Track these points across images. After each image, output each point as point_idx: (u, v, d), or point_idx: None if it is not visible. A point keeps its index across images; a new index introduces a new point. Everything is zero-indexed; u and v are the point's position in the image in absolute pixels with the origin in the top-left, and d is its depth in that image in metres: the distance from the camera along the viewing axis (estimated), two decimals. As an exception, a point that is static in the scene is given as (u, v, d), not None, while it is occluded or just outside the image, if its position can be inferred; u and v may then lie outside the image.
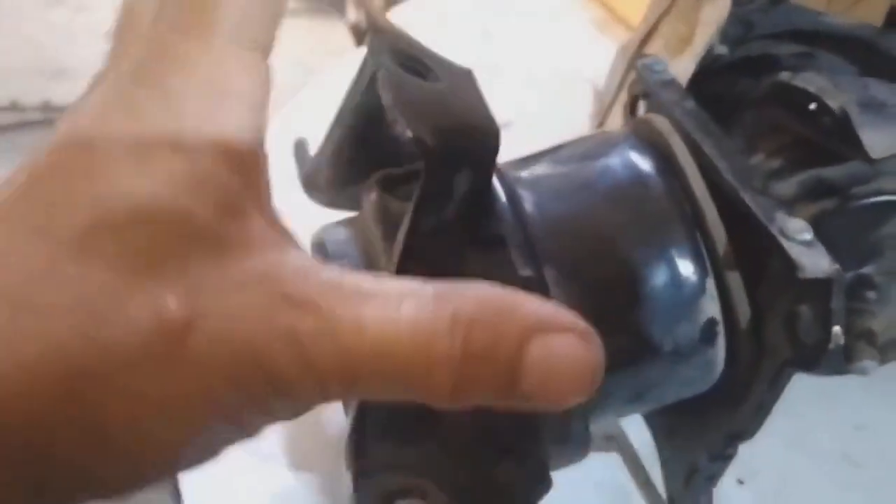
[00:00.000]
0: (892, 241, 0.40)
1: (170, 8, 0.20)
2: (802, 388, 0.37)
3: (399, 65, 0.27)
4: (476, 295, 0.19)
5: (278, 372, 0.17)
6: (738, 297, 0.32)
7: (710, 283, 0.32)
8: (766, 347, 0.31)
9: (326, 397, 0.19)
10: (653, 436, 0.40)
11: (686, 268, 0.32)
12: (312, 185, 0.37)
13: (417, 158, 0.26)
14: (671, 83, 0.37)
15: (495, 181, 0.31)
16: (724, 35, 0.44)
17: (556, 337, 0.19)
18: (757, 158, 0.41)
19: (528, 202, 0.32)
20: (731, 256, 0.31)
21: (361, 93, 0.32)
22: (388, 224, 0.30)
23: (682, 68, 0.42)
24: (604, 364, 0.20)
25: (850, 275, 0.40)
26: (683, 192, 0.32)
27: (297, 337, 0.17)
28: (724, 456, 0.34)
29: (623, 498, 0.42)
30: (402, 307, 0.18)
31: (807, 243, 0.29)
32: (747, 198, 0.31)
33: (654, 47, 0.50)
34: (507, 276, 0.29)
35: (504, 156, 0.35)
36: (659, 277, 0.31)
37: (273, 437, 0.45)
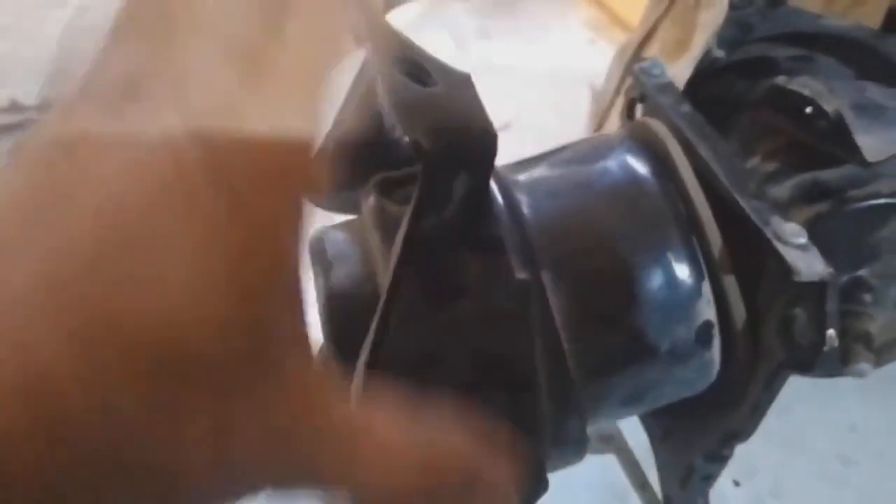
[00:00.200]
0: (888, 244, 0.40)
1: (156, 14, 0.18)
2: (798, 390, 0.37)
3: (397, 69, 0.27)
4: (444, 436, 0.21)
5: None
6: (733, 299, 0.32)
7: (706, 286, 0.32)
8: (762, 350, 0.31)
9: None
10: (649, 437, 0.40)
11: (682, 271, 0.32)
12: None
13: (416, 162, 0.26)
14: (668, 86, 0.37)
15: (493, 184, 0.31)
16: (721, 38, 0.44)
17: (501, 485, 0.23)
18: (753, 161, 0.41)
19: (525, 205, 0.32)
20: (726, 259, 0.32)
21: (360, 96, 0.32)
22: (387, 227, 0.30)
23: (679, 72, 0.42)
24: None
25: (846, 278, 0.40)
26: (679, 196, 0.33)
27: (319, 478, 0.18)
28: (720, 457, 0.34)
29: (620, 499, 0.43)
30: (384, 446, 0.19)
31: (802, 247, 0.29)
32: (743, 201, 0.31)
33: (652, 50, 0.50)
34: (504, 278, 0.29)
35: (502, 158, 0.35)
36: (655, 280, 0.32)
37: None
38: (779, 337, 0.30)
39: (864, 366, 0.38)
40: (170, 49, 0.17)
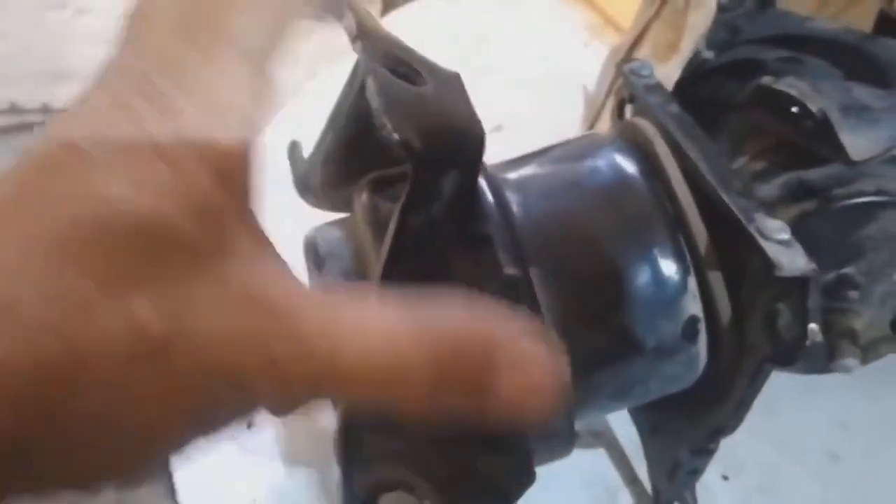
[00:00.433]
0: (873, 241, 0.40)
1: (177, 17, 0.20)
2: (787, 386, 0.37)
3: (388, 69, 0.27)
4: (452, 322, 0.20)
5: (253, 388, 0.18)
6: (719, 295, 0.32)
7: (692, 282, 0.32)
8: (747, 345, 0.32)
9: (300, 411, 0.19)
10: (639, 432, 0.40)
11: (668, 267, 0.32)
12: (306, 186, 0.38)
13: (406, 160, 0.26)
14: (656, 87, 0.38)
15: (483, 183, 0.31)
16: (710, 40, 0.45)
17: (524, 367, 0.20)
18: (741, 161, 0.42)
19: (515, 203, 0.33)
20: (712, 256, 0.32)
21: (353, 96, 0.33)
22: (379, 225, 0.31)
23: (669, 73, 0.43)
24: (566, 390, 0.21)
25: (832, 275, 0.41)
26: (666, 194, 0.33)
27: (273, 357, 0.18)
28: (706, 451, 0.35)
29: (609, 493, 0.43)
30: (379, 332, 0.19)
31: (784, 243, 0.30)
32: (727, 199, 0.31)
33: (643, 52, 0.51)
34: (492, 275, 0.29)
35: (496, 159, 0.36)
36: (642, 276, 0.32)
37: (266, 432, 0.46)
38: (763, 332, 0.31)
39: (849, 361, 0.39)
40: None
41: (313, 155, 0.37)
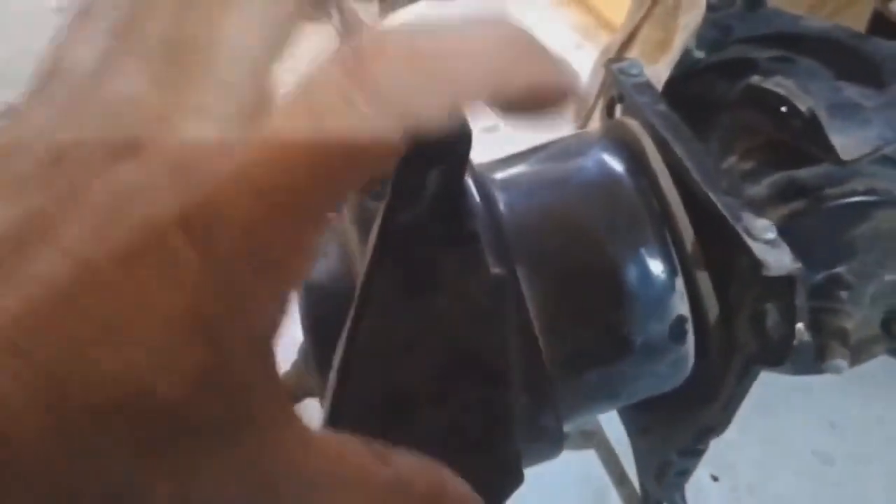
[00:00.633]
0: (863, 241, 0.40)
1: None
2: (778, 388, 0.37)
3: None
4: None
5: None
6: (706, 295, 0.32)
7: (680, 282, 0.32)
8: (735, 344, 0.32)
9: None
10: (628, 433, 0.40)
11: (656, 266, 0.32)
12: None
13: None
14: (645, 86, 0.37)
15: (470, 181, 0.31)
16: (701, 39, 0.45)
17: None
18: (731, 160, 0.42)
19: (502, 202, 0.33)
20: (699, 255, 0.32)
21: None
22: (365, 224, 0.31)
23: (659, 72, 0.43)
24: None
25: (822, 275, 0.41)
26: (653, 193, 0.33)
27: None
28: (694, 451, 0.35)
29: (599, 493, 0.43)
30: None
31: (771, 242, 0.30)
32: (714, 197, 0.31)
33: (634, 52, 0.51)
34: (479, 274, 0.29)
35: (490, 160, 0.36)
36: (629, 276, 0.32)
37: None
38: (751, 331, 0.31)
39: (839, 362, 0.39)
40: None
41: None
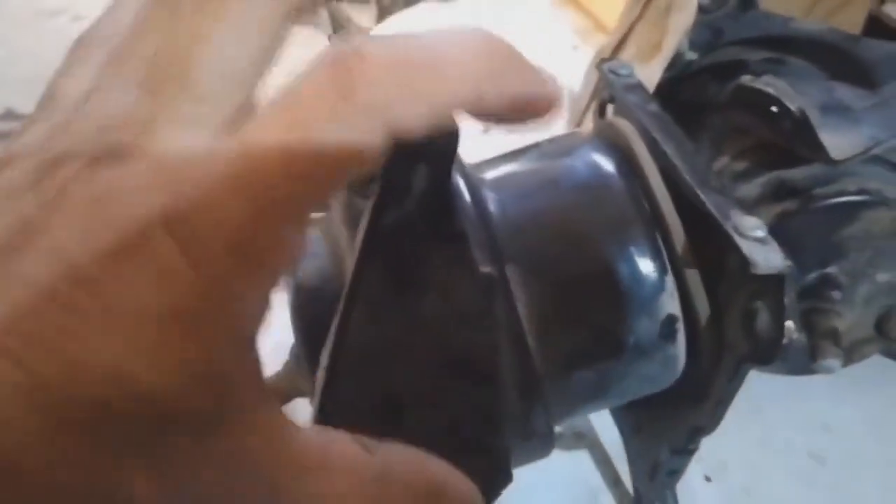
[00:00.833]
0: (856, 241, 0.40)
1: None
2: (771, 388, 0.37)
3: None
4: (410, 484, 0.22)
5: None
6: (697, 294, 0.32)
7: (670, 281, 0.32)
8: (726, 344, 0.32)
9: None
10: (621, 433, 0.40)
11: (646, 266, 0.32)
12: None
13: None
14: (635, 87, 0.38)
15: (460, 180, 0.31)
16: (693, 41, 0.45)
17: None
18: (723, 161, 0.42)
19: (492, 201, 0.33)
20: (689, 254, 0.32)
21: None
22: (354, 223, 0.31)
23: (651, 73, 0.43)
24: None
25: (814, 275, 0.41)
26: (644, 192, 0.33)
27: None
28: (686, 451, 0.35)
29: (592, 494, 0.43)
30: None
31: (760, 240, 0.30)
32: (703, 196, 0.31)
33: (628, 54, 0.51)
34: (467, 274, 0.29)
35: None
36: (619, 275, 0.32)
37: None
38: (741, 330, 0.31)
39: (831, 362, 0.39)
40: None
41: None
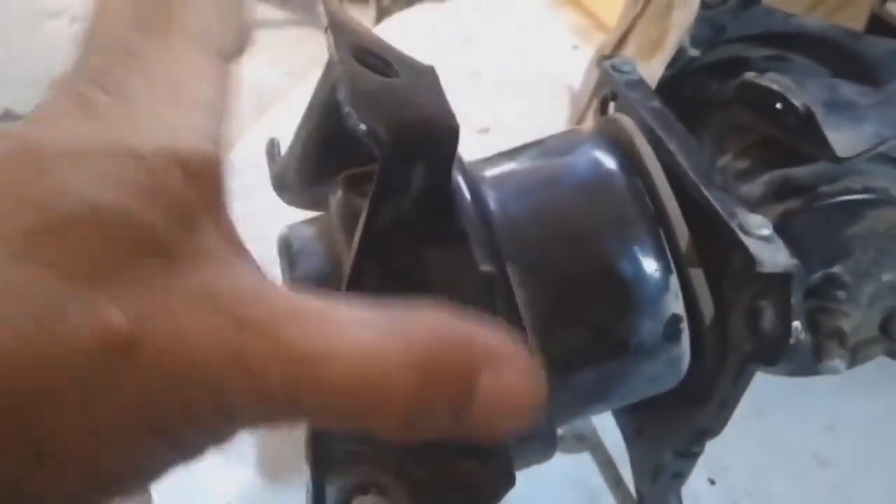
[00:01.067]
0: (861, 240, 0.40)
1: (133, 11, 0.20)
2: (774, 389, 0.37)
3: (357, 60, 0.27)
4: (430, 326, 0.19)
5: (225, 397, 0.17)
6: (701, 293, 0.32)
7: (674, 280, 0.32)
8: (730, 343, 0.31)
9: (274, 424, 0.19)
10: (623, 435, 0.40)
11: (649, 265, 0.32)
12: (282, 184, 0.37)
13: (376, 153, 0.26)
14: (637, 83, 0.37)
15: (460, 179, 0.31)
16: (695, 38, 0.44)
17: (504, 369, 0.19)
18: (725, 159, 0.41)
19: (492, 200, 0.32)
20: (693, 253, 0.32)
21: (326, 92, 0.32)
22: (352, 222, 0.30)
23: (653, 70, 0.43)
24: (545, 393, 0.20)
25: (818, 274, 0.40)
26: (647, 190, 0.33)
27: (246, 362, 0.17)
28: (690, 454, 0.34)
29: (594, 497, 0.42)
30: (357, 338, 0.18)
31: (766, 238, 0.29)
32: (708, 194, 0.31)
33: (629, 51, 0.50)
34: (467, 272, 0.29)
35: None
36: (622, 275, 0.31)
37: (243, 436, 0.45)
38: (746, 330, 0.30)
39: (837, 362, 0.38)
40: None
41: (289, 152, 0.36)
